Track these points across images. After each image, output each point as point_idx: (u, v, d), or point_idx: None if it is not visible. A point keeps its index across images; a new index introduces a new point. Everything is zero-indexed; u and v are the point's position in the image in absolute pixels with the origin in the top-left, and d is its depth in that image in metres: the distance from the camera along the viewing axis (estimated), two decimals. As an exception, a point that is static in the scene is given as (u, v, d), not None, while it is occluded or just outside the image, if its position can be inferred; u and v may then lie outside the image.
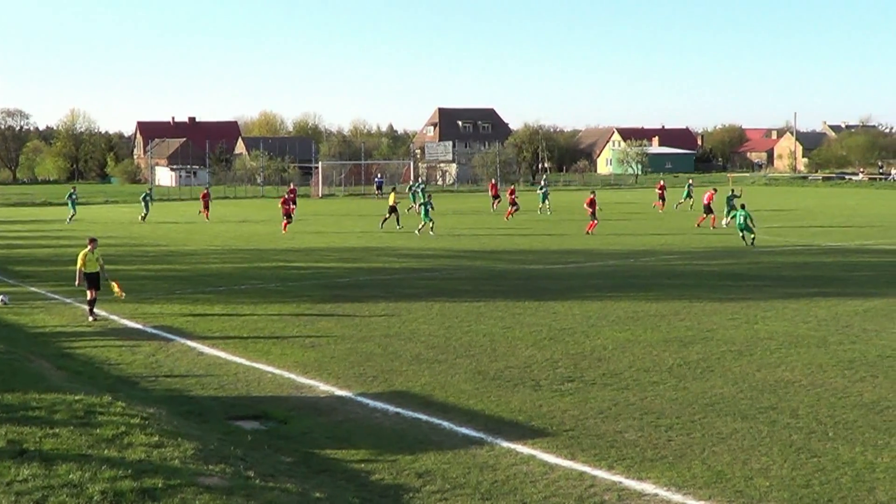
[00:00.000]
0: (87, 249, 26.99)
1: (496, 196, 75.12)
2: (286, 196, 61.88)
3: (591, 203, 55.32)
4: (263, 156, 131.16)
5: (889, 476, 13.68)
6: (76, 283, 27.29)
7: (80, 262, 26.90)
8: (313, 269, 39.35)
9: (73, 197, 70.03)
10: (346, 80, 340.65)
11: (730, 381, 19.39)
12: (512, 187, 75.92)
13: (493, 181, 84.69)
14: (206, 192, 71.99)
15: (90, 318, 26.80)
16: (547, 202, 70.82)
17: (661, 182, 74.79)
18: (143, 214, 67.47)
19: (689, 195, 74.23)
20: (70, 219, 67.16)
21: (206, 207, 68.97)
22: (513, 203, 67.02)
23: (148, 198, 69.11)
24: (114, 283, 27.61)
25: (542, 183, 69.06)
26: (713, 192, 59.05)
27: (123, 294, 27.95)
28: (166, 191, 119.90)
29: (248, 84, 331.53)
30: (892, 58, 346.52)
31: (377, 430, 16.10)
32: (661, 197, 71.05)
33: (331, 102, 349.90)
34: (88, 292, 26.90)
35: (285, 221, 57.10)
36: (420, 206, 58.36)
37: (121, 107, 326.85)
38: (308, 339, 23.98)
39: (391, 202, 60.11)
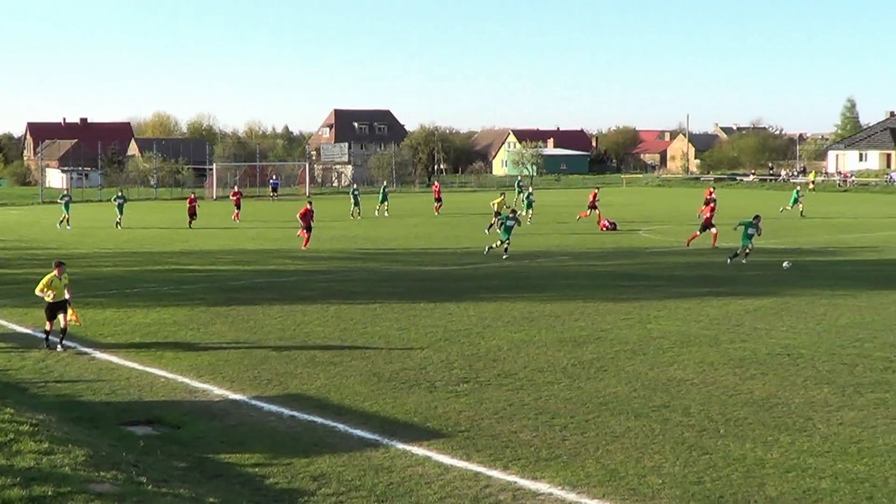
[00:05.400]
0: (52, 274, 23.02)
1: (439, 199, 74.70)
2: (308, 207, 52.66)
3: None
4: (157, 157, 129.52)
5: (778, 472, 13.92)
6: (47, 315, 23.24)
7: (42, 287, 22.95)
8: (207, 271, 38.99)
9: None
10: (240, 81, 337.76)
11: (623, 380, 19.60)
12: (436, 184, 79.82)
13: (436, 183, 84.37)
14: (193, 196, 66.34)
15: (59, 349, 22.80)
16: (531, 211, 66.71)
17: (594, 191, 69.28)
18: (118, 219, 63.49)
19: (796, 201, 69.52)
20: None
21: (193, 215, 62.54)
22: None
23: (121, 200, 64.68)
24: (70, 309, 23.18)
25: (529, 189, 67.80)
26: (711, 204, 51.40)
27: (80, 321, 23.63)
28: (57, 193, 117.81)
29: (142, 85, 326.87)
30: (782, 61, 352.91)
31: (272, 434, 16.01)
32: (593, 206, 65.87)
33: (225, 104, 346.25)
34: (49, 323, 23.08)
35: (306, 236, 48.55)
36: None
37: (10, 107, 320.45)
38: (202, 342, 23.75)
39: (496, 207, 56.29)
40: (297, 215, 48.95)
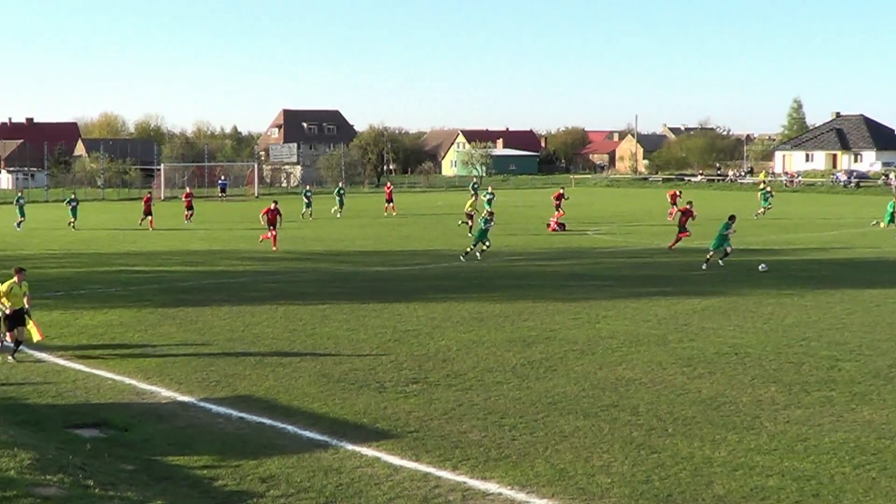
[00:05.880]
0: (12, 280, 22.01)
1: (390, 199, 74.50)
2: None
3: (685, 212, 46.33)
4: (104, 158, 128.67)
5: (726, 470, 14.02)
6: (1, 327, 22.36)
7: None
8: (155, 272, 38.74)
9: None
10: (189, 82, 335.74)
11: (572, 379, 19.66)
12: (389, 184, 79.90)
13: (389, 184, 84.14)
14: (148, 196, 65.97)
15: (10, 359, 21.79)
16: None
17: (560, 190, 67.79)
18: (70, 221, 62.38)
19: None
20: None
21: (149, 213, 61.35)
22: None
23: (74, 203, 63.78)
24: (31, 323, 22.17)
25: (488, 189, 67.29)
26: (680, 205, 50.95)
27: (43, 337, 22.45)
28: (3, 194, 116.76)
29: (88, 85, 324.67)
30: (729, 62, 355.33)
31: (220, 436, 15.93)
32: (558, 206, 62.44)
33: (173, 104, 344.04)
34: (9, 334, 22.07)
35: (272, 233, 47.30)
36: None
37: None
38: (150, 344, 23.59)
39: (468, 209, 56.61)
40: (261, 214, 47.78)
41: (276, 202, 48.22)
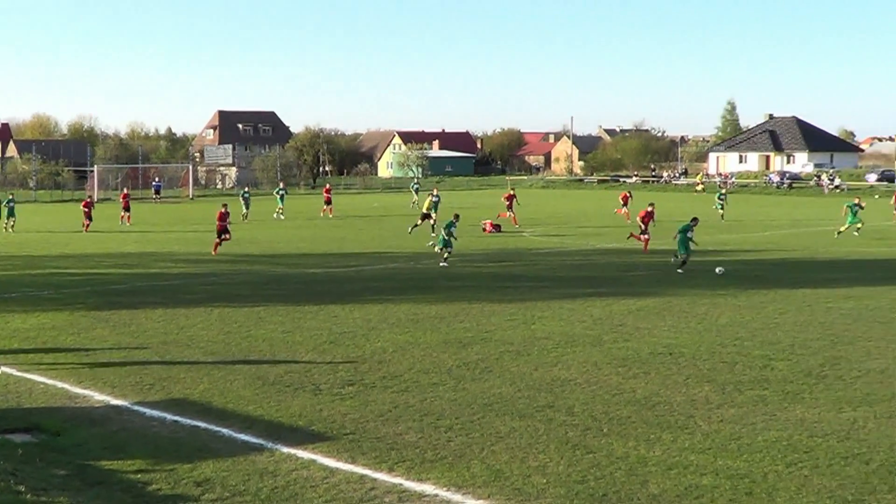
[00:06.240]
0: None
1: (329, 201, 74.21)
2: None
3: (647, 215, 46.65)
4: (36, 159, 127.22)
5: (660, 469, 14.10)
6: None
7: None
8: (88, 275, 38.37)
9: None
10: (122, 83, 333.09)
11: (508, 380, 19.69)
12: (328, 186, 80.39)
13: (328, 185, 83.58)
14: (88, 200, 64.70)
15: None
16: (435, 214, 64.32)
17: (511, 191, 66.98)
18: (8, 224, 61.31)
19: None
20: None
21: (89, 217, 60.33)
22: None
23: (12, 204, 62.54)
24: None
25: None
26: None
27: None
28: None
29: (20, 85, 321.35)
30: (664, 64, 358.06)
31: (154, 440, 15.79)
32: (509, 207, 62.14)
33: (107, 105, 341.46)
34: None
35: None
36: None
37: None
38: (82, 347, 23.32)
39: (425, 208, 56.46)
40: (217, 218, 46.48)
41: (225, 205, 47.92)
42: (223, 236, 45.35)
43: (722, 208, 67.84)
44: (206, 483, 13.58)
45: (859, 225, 52.91)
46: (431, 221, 53.48)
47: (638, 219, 45.82)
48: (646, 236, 44.80)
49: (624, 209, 64.50)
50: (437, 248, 41.18)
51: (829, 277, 36.05)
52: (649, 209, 46.17)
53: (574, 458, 14.66)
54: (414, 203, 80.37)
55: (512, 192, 64.05)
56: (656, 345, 23.18)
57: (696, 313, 27.65)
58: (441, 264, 39.66)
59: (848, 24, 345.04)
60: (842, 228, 52.02)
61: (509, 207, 60.98)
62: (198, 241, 51.10)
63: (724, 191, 74.82)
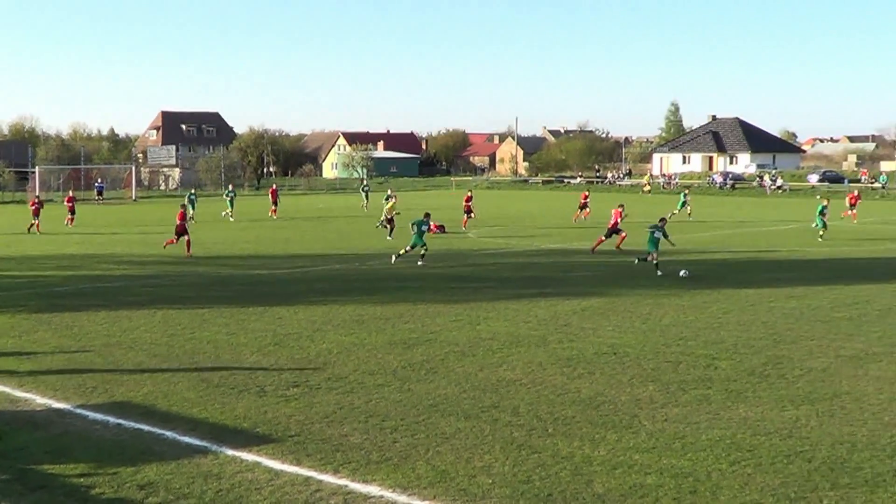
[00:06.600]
0: None
1: (275, 202, 73.99)
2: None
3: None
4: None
5: (605, 468, 14.14)
6: None
7: None
8: (29, 277, 38.02)
9: None
10: (64, 83, 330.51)
11: (453, 381, 19.70)
12: (273, 187, 79.30)
13: (274, 186, 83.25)
14: (36, 199, 62.66)
15: None
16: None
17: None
18: None
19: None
20: None
21: (36, 216, 59.21)
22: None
23: None
24: None
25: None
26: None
27: None
28: None
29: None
30: (608, 65, 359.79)
31: (97, 443, 15.64)
32: (468, 210, 61.62)
33: (49, 105, 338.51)
34: None
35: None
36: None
37: None
38: (24, 350, 23.05)
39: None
40: (177, 221, 46.21)
41: (184, 205, 47.61)
42: (183, 236, 44.97)
43: (683, 206, 68.46)
44: (150, 486, 13.48)
45: (816, 225, 53.48)
46: (391, 226, 53.40)
47: (610, 224, 45.13)
48: (605, 237, 44.45)
49: (579, 211, 64.71)
50: (409, 249, 40.67)
51: (772, 277, 36.35)
52: (619, 209, 45.94)
53: (519, 458, 14.68)
54: (365, 206, 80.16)
55: (470, 194, 64.14)
56: (601, 345, 23.27)
57: (640, 313, 27.79)
58: (419, 263, 39.70)
59: (790, 26, 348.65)
60: (821, 232, 52.18)
61: (468, 211, 60.76)
62: (141, 243, 50.79)
63: (686, 191, 75.32)
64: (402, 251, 40.63)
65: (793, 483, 13.56)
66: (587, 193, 67.22)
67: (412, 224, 40.87)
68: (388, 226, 53.53)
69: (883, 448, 15.18)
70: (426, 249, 40.53)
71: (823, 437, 15.75)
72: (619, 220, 45.46)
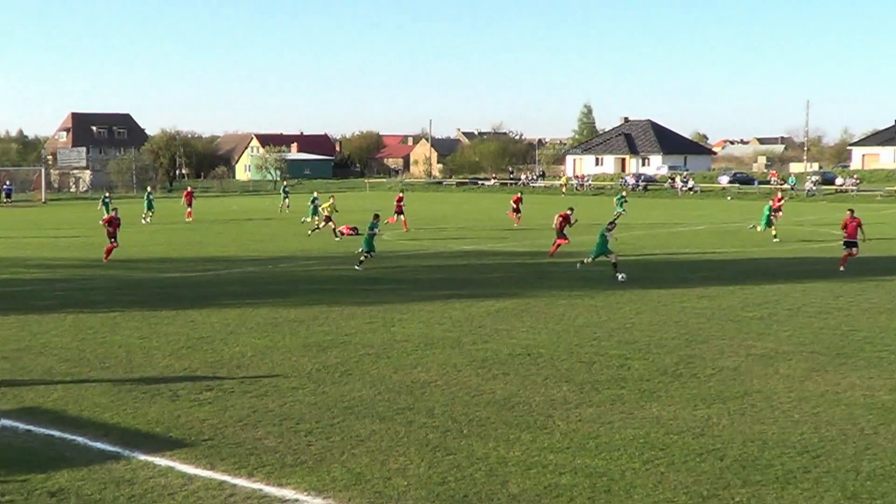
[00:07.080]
0: None
1: (190, 204, 73.28)
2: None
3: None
4: None
5: (520, 469, 14.20)
6: None
7: None
8: (-64, 282, 37.35)
9: None
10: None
11: (368, 383, 19.66)
12: (188, 189, 78.65)
13: (189, 188, 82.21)
14: None
15: None
16: (315, 217, 62.59)
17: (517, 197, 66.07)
18: None
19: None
20: None
21: None
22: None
23: None
24: None
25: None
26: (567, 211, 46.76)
27: None
28: None
29: None
30: (522, 67, 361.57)
31: (6, 450, 15.38)
32: (399, 211, 60.78)
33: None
34: None
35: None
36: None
37: None
38: (-70, 356, 22.71)
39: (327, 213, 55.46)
40: (103, 222, 45.46)
41: (115, 209, 46.92)
42: (112, 241, 44.18)
43: (621, 207, 69.17)
44: (61, 493, 13.31)
45: (758, 226, 54.00)
46: (332, 225, 53.27)
47: (556, 226, 44.71)
48: (563, 240, 44.05)
49: (513, 213, 64.56)
50: (366, 252, 39.95)
51: (684, 277, 36.71)
52: (567, 212, 45.41)
53: (434, 459, 14.69)
54: (285, 208, 79.69)
55: (401, 195, 64.09)
56: (515, 346, 23.36)
57: (553, 314, 27.93)
58: (356, 267, 39.10)
59: (701, 28, 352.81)
60: (773, 231, 52.45)
61: (399, 212, 60.48)
62: (51, 246, 50.10)
63: (623, 193, 75.95)
64: (361, 258, 40.04)
65: (705, 481, 13.71)
66: (519, 196, 66.73)
67: (367, 227, 40.92)
68: (330, 225, 53.30)
69: (793, 445, 15.40)
70: (369, 255, 39.99)
71: (735, 436, 15.94)
72: (563, 223, 44.83)
